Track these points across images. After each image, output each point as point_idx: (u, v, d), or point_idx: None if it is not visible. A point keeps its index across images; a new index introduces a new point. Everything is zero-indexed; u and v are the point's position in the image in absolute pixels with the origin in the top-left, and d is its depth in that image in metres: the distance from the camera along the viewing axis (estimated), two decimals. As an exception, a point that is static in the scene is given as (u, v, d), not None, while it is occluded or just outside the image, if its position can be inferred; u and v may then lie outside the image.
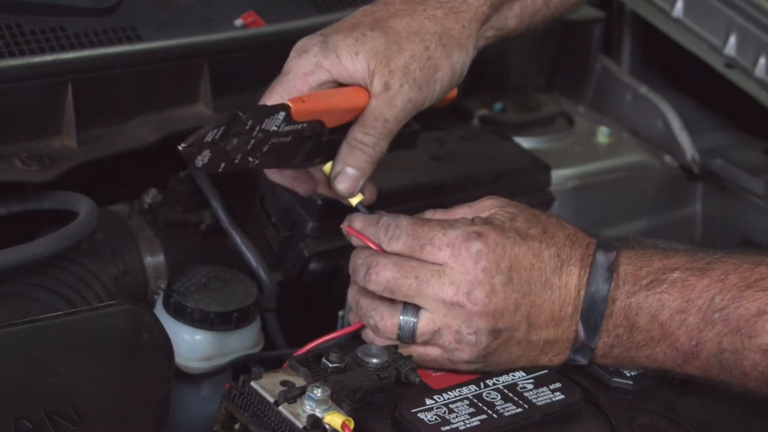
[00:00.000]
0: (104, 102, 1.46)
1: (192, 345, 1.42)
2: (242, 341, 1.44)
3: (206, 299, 1.42)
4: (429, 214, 1.29)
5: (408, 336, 1.23)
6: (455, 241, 1.21)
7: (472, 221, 1.24)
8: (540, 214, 1.26)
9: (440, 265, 1.21)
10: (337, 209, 1.38)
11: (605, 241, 1.25)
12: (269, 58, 1.60)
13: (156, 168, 1.58)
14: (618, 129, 2.06)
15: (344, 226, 1.29)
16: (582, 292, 1.22)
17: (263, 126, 1.22)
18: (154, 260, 1.53)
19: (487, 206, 1.27)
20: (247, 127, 1.20)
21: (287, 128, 1.24)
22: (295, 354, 1.21)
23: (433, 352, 1.24)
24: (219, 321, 1.42)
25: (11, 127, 1.39)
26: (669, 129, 2.01)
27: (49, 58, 1.41)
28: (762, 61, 1.94)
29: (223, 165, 1.21)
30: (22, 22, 1.43)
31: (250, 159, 1.24)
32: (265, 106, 1.24)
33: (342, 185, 1.29)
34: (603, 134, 2.03)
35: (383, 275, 1.22)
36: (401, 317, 1.23)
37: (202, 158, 1.19)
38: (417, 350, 1.24)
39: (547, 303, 1.22)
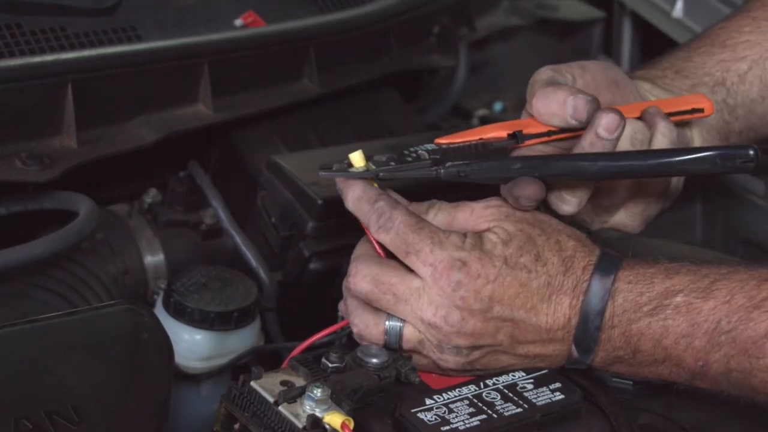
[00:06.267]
0: (104, 102, 1.46)
1: (192, 345, 1.42)
2: (242, 341, 1.44)
3: (206, 299, 1.42)
4: (436, 207, 1.25)
5: (395, 341, 1.21)
6: (438, 265, 1.18)
7: (463, 242, 1.20)
8: (538, 236, 1.21)
9: (420, 278, 1.19)
10: (337, 210, 1.38)
11: (605, 260, 1.21)
12: (269, 58, 1.61)
13: (156, 168, 1.58)
14: (618, 129, 2.05)
15: (340, 182, 1.24)
16: (573, 321, 1.19)
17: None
18: (154, 260, 1.53)
19: (488, 216, 1.23)
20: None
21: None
22: (291, 353, 1.21)
23: (421, 360, 1.22)
24: (219, 321, 1.41)
25: (11, 127, 1.39)
26: (669, 129, 2.01)
27: (49, 58, 1.41)
28: (762, 61, 1.94)
29: None
30: (22, 22, 1.43)
31: None
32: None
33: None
34: (603, 134, 2.02)
35: (361, 286, 1.20)
36: (387, 323, 1.21)
37: None
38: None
39: (532, 326, 1.20)
